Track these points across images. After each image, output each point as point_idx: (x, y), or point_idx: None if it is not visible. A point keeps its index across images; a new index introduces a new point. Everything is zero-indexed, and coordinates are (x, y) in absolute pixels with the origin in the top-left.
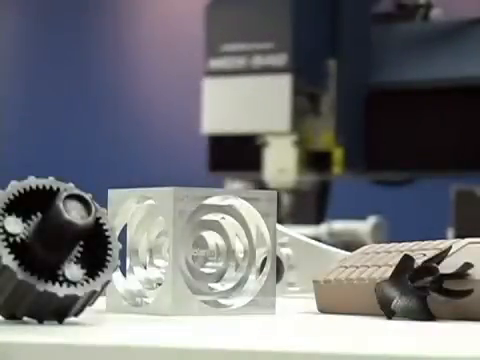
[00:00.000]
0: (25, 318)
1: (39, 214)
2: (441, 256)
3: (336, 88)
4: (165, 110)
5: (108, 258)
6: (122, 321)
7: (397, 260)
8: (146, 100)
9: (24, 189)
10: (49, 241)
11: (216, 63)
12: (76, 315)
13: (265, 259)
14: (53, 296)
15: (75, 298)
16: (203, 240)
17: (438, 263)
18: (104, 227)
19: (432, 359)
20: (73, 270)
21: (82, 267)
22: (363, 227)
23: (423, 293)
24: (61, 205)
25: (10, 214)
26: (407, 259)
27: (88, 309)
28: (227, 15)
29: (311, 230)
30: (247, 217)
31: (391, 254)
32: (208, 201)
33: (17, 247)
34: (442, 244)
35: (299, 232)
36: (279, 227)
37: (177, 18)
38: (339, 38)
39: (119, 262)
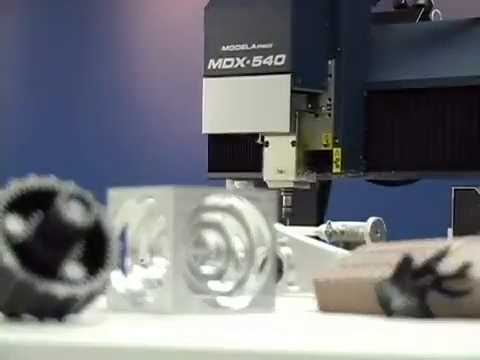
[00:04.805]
0: (26, 316)
1: (40, 213)
2: (441, 256)
3: (335, 88)
4: (165, 110)
5: (108, 257)
6: (122, 320)
7: (397, 260)
8: (146, 100)
9: (26, 188)
10: (50, 240)
11: (215, 64)
12: (77, 313)
13: (265, 259)
14: (53, 295)
15: (75, 297)
16: (203, 240)
17: (438, 263)
18: (104, 227)
19: (432, 359)
20: (73, 269)
21: (82, 266)
22: (363, 227)
23: (423, 292)
24: (62, 205)
25: (11, 212)
26: (407, 259)
27: (89, 308)
28: (226, 16)
29: (311, 230)
30: (247, 217)
31: (391, 254)
32: (208, 201)
33: (18, 247)
34: (442, 244)
35: (299, 232)
36: (279, 227)
37: (176, 19)
38: (338, 38)
39: (119, 261)
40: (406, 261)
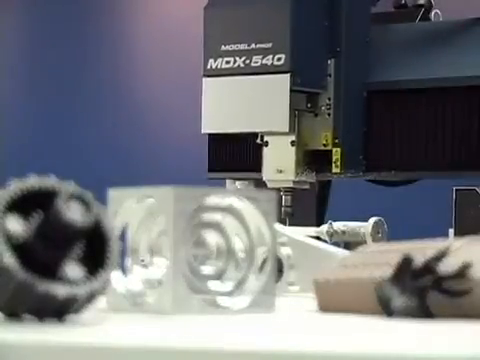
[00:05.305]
0: (26, 316)
1: (40, 213)
2: (441, 256)
3: (335, 88)
4: (165, 110)
5: (108, 257)
6: (122, 320)
7: (397, 260)
8: (146, 100)
9: (26, 188)
10: (50, 240)
11: (215, 63)
12: (77, 313)
13: (265, 259)
14: (53, 295)
15: (75, 297)
16: (203, 240)
17: (438, 263)
18: (104, 227)
19: (432, 359)
20: (73, 269)
21: (82, 266)
22: (364, 227)
23: (423, 292)
24: (62, 205)
25: (11, 212)
26: (407, 259)
27: (89, 308)
28: (226, 15)
29: (312, 230)
30: (247, 217)
31: (391, 254)
32: (208, 201)
33: (18, 247)
34: (442, 244)
35: (300, 232)
36: (278, 227)
37: (176, 19)
38: (338, 38)
39: (119, 261)
40: (406, 261)
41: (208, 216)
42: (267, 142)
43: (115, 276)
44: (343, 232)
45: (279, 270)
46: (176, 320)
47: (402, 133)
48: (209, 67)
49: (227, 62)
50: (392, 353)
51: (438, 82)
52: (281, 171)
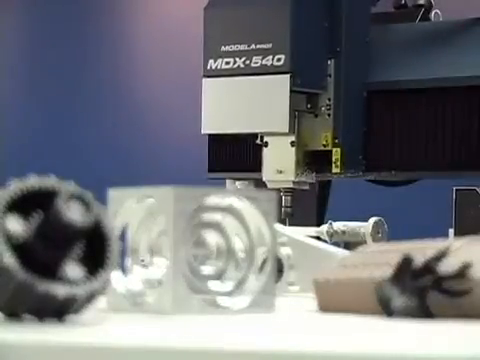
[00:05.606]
0: (26, 316)
1: (40, 213)
2: (441, 256)
3: (335, 88)
4: (165, 110)
5: (108, 257)
6: (122, 320)
7: (397, 260)
8: (146, 101)
9: (26, 188)
10: (50, 240)
11: (215, 64)
12: (77, 313)
13: (265, 259)
14: (53, 295)
15: (75, 297)
16: (203, 240)
17: (438, 263)
18: (104, 227)
19: (432, 359)
20: (73, 269)
21: (82, 266)
22: (364, 227)
23: (423, 292)
24: (62, 205)
25: (11, 212)
26: (407, 259)
27: (89, 308)
28: (225, 16)
29: (313, 230)
30: (247, 217)
31: (391, 254)
32: (208, 201)
33: (18, 247)
34: (442, 244)
35: (300, 232)
36: (278, 227)
37: (176, 19)
38: (338, 38)
39: (119, 261)
40: (406, 261)
41: (208, 216)
42: (267, 143)
43: (115, 276)
44: (343, 232)
45: (279, 270)
46: (176, 320)
47: (402, 133)
48: (209, 67)
49: (227, 63)
50: (392, 353)
51: (438, 82)
52: (281, 172)
